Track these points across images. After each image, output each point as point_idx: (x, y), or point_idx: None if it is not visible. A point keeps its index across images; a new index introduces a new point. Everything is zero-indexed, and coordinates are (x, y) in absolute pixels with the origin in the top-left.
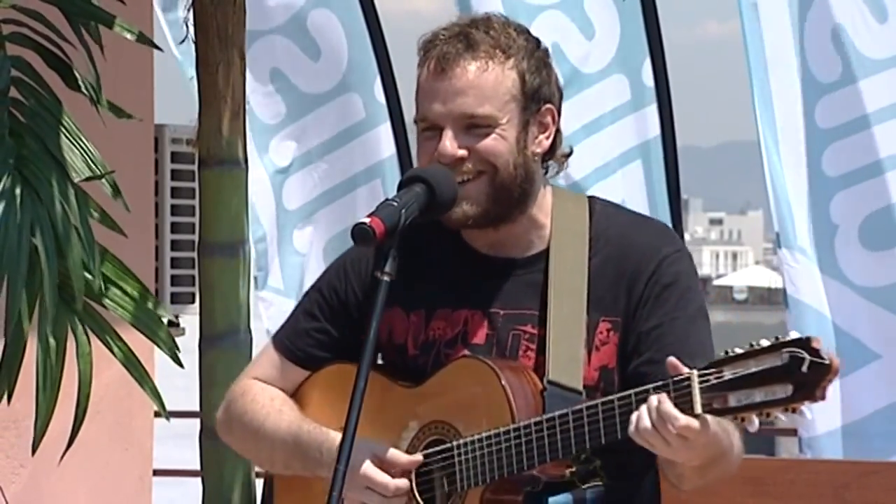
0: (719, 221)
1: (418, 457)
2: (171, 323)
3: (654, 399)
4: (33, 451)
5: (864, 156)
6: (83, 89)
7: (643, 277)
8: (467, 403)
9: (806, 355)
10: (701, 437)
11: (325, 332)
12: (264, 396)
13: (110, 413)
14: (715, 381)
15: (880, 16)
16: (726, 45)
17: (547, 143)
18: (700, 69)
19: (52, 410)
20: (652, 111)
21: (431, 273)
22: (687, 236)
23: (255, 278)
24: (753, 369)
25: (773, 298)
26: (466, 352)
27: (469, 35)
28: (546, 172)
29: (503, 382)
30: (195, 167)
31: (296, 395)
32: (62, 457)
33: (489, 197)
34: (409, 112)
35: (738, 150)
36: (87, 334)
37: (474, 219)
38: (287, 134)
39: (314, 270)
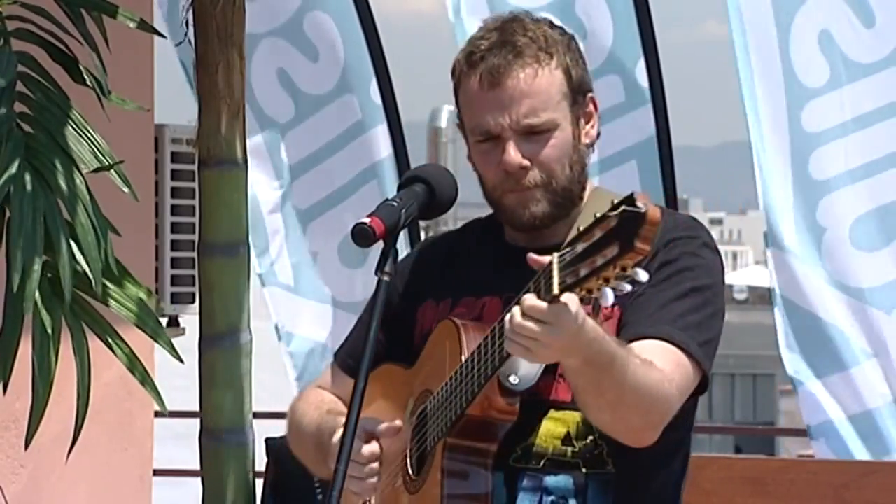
0: (719, 221)
1: (396, 423)
2: (171, 323)
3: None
4: (26, 447)
5: (854, 159)
6: (88, 82)
7: (650, 255)
8: (439, 364)
9: (624, 207)
10: (561, 320)
11: (377, 343)
12: (316, 398)
13: (110, 413)
14: (569, 258)
15: (867, 20)
16: (726, 45)
17: (594, 132)
18: (700, 69)
19: (45, 405)
20: (647, 111)
21: (463, 263)
22: None
23: (260, 276)
24: (596, 237)
25: (773, 299)
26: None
27: (513, 42)
28: None
29: (460, 330)
30: (195, 167)
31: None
32: (67, 456)
33: (552, 202)
34: (405, 113)
35: (738, 150)
36: (82, 331)
37: (541, 219)
38: (296, 133)
39: (326, 270)
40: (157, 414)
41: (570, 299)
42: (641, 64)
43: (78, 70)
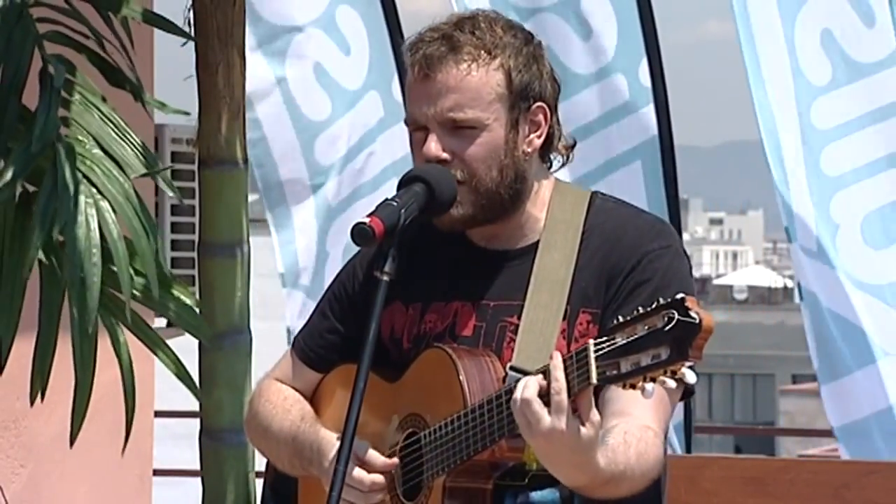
0: (719, 221)
1: (394, 461)
2: (170, 323)
3: (527, 378)
4: (71, 444)
5: (860, 157)
6: (126, 86)
7: (622, 273)
8: (432, 394)
9: (676, 315)
10: (557, 425)
11: (336, 332)
12: (277, 396)
13: (110, 413)
14: (608, 349)
15: (868, 20)
16: (726, 45)
17: (539, 142)
18: (700, 69)
19: (86, 405)
20: (649, 111)
21: (429, 266)
22: (687, 236)
23: (282, 275)
24: (641, 333)
25: (773, 298)
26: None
27: (453, 37)
28: (550, 166)
29: (459, 370)
30: (195, 167)
31: (314, 395)
32: (68, 451)
33: (475, 203)
34: None
35: (738, 150)
36: (117, 326)
37: (462, 222)
38: (333, 132)
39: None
40: (157, 414)
41: (593, 422)
42: (644, 64)
43: (114, 72)
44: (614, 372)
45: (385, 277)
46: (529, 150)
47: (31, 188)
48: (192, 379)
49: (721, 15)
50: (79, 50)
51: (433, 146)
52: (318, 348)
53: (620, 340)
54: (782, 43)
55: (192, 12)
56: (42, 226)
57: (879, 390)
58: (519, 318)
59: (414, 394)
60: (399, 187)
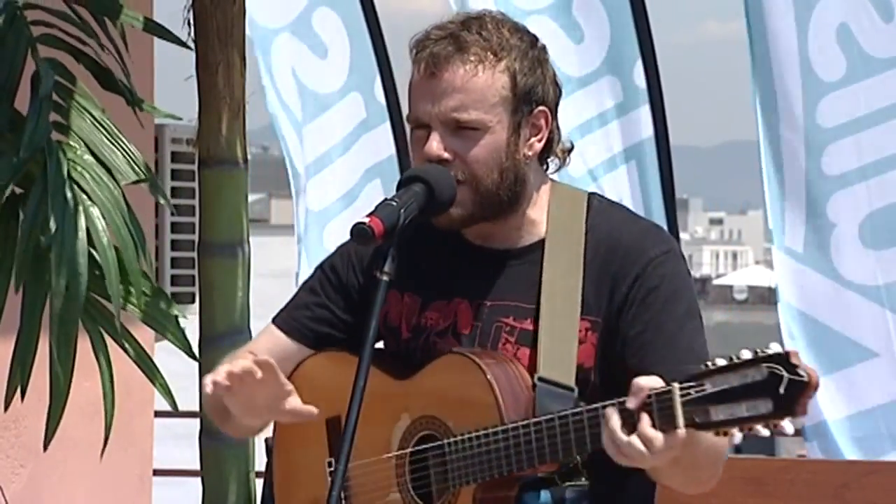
0: (719, 221)
1: (308, 408)
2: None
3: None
4: (45, 448)
5: (867, 154)
6: (120, 91)
7: (627, 280)
8: (456, 400)
9: (784, 373)
10: (678, 446)
11: (324, 307)
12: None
13: None
14: (696, 395)
15: (887, 15)
16: (726, 45)
17: (539, 146)
18: (700, 69)
19: (63, 407)
20: (644, 112)
21: (426, 260)
22: (687, 236)
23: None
24: (735, 383)
25: (773, 298)
26: (456, 345)
27: (460, 37)
28: (546, 168)
29: (490, 380)
30: (195, 167)
31: (301, 382)
32: (101, 452)
33: (474, 203)
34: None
35: (738, 150)
36: (101, 333)
37: (461, 222)
38: (307, 133)
39: None
40: (157, 414)
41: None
42: (639, 65)
43: (107, 77)
44: (702, 419)
45: (385, 278)
46: (530, 153)
47: (18, 190)
48: (177, 407)
49: (721, 15)
50: (73, 54)
51: (434, 145)
52: (304, 319)
53: (709, 388)
54: (794, 39)
55: (191, 12)
56: (30, 232)
57: (869, 390)
58: (516, 319)
59: (431, 396)
60: (398, 187)
